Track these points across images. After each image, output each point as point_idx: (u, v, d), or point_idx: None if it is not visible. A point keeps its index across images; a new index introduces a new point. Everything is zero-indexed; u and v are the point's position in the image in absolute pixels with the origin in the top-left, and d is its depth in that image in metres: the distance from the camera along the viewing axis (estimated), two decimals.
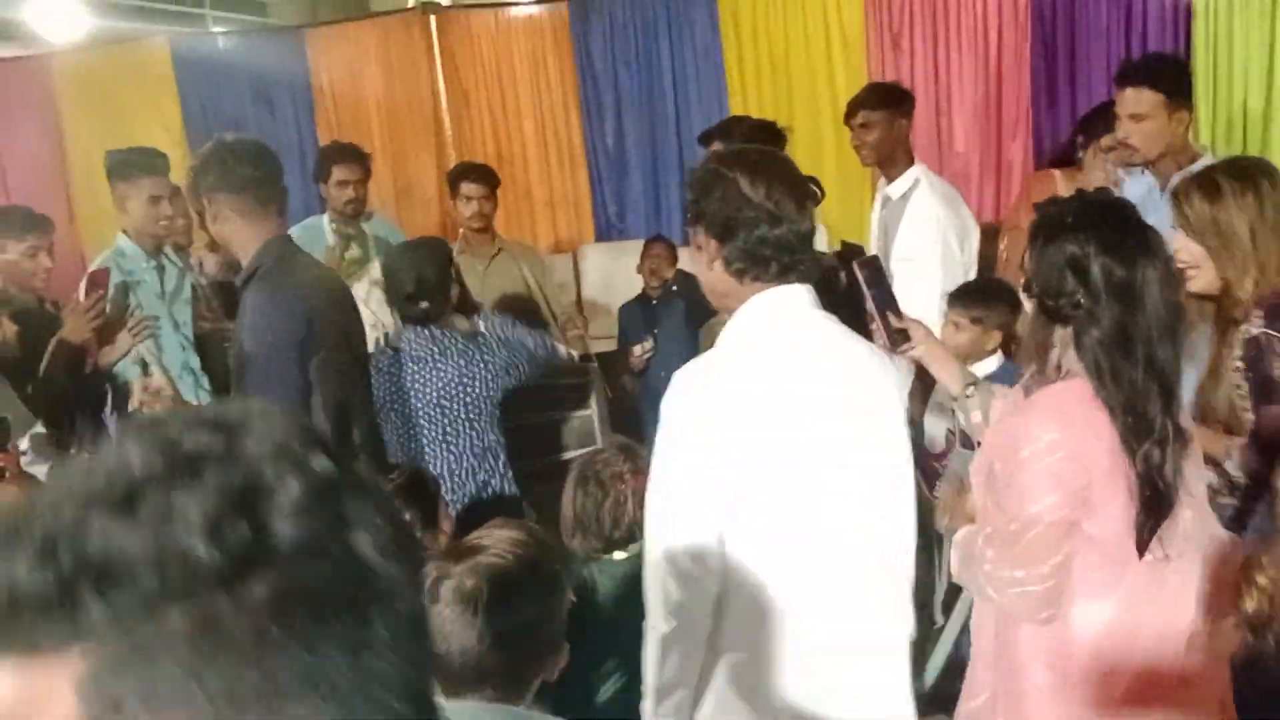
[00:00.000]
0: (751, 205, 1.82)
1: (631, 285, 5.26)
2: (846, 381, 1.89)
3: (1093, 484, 1.89)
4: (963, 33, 6.07)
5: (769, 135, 4.65)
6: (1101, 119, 3.89)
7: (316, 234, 4.42)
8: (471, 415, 3.20)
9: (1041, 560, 1.88)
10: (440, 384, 3.16)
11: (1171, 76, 3.23)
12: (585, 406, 3.41)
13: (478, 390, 3.18)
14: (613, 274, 6.38)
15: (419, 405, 3.18)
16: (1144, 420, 1.86)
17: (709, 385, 1.85)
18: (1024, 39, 5.93)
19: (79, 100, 7.17)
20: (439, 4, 6.88)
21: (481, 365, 3.18)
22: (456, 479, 3.20)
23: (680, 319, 4.63)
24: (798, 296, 1.88)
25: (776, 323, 1.88)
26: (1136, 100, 3.16)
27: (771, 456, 1.82)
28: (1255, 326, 2.31)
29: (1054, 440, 1.89)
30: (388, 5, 8.06)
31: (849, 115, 3.97)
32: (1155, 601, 1.94)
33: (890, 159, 3.91)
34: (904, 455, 1.94)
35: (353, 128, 7.06)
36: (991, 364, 3.19)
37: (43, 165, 7.14)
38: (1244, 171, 2.37)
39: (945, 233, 3.69)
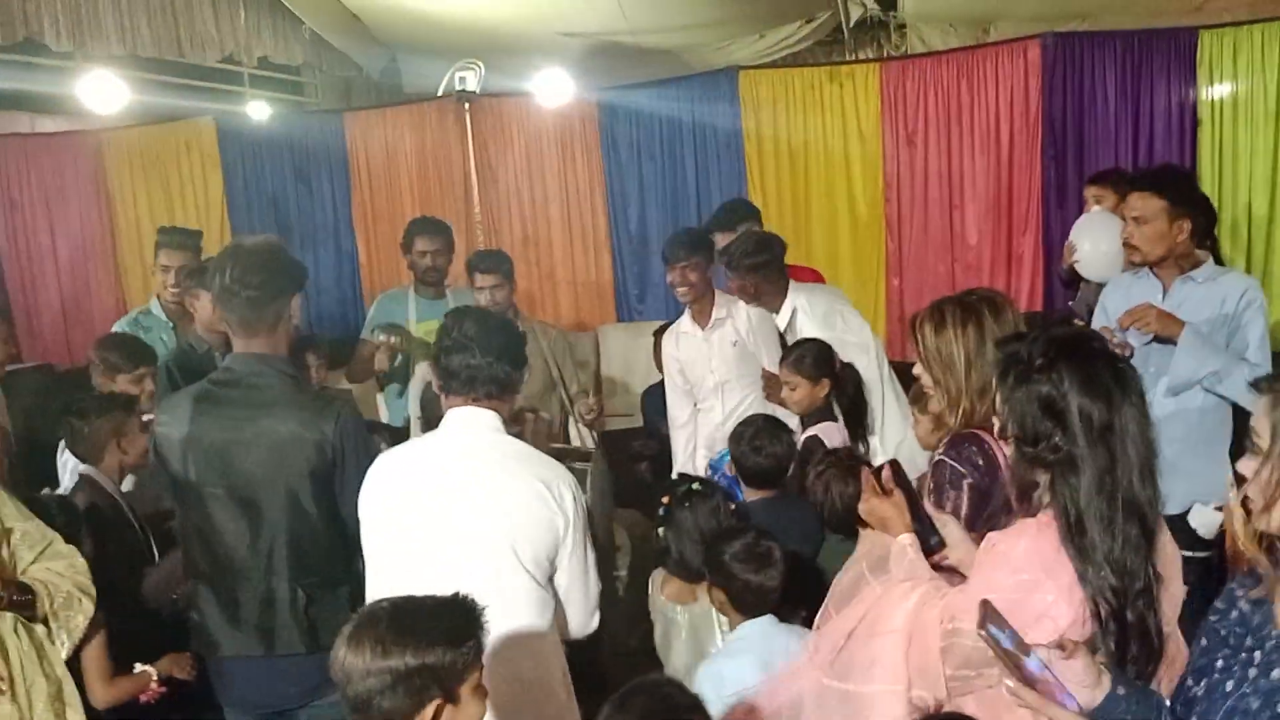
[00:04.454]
0: (450, 337, 2.42)
1: (650, 365, 5.39)
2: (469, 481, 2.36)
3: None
4: (975, 134, 6.30)
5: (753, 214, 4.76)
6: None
7: (400, 304, 4.73)
8: None
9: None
10: None
11: (1175, 185, 3.35)
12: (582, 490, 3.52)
13: None
14: (632, 353, 6.56)
15: None
16: (1127, 573, 1.76)
17: (382, 467, 2.47)
18: (1035, 141, 6.14)
19: (127, 173, 7.50)
20: (473, 92, 7.15)
21: None
22: None
23: None
24: (475, 416, 2.42)
25: (446, 432, 2.45)
26: (1141, 204, 3.32)
27: (396, 520, 2.40)
28: (938, 452, 2.32)
29: (1030, 582, 1.80)
30: (420, 91, 8.35)
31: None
32: None
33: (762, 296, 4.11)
34: (500, 531, 2.31)
35: (386, 207, 7.34)
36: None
37: (92, 232, 7.46)
38: (968, 304, 2.37)
39: None
